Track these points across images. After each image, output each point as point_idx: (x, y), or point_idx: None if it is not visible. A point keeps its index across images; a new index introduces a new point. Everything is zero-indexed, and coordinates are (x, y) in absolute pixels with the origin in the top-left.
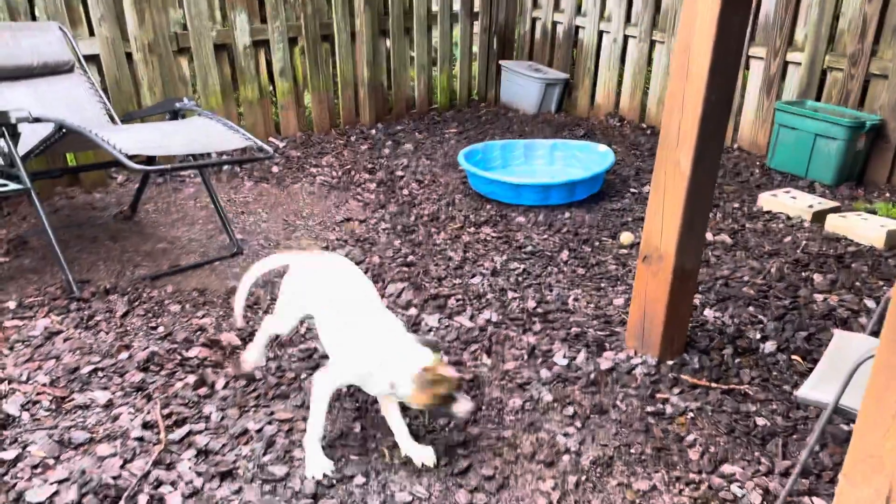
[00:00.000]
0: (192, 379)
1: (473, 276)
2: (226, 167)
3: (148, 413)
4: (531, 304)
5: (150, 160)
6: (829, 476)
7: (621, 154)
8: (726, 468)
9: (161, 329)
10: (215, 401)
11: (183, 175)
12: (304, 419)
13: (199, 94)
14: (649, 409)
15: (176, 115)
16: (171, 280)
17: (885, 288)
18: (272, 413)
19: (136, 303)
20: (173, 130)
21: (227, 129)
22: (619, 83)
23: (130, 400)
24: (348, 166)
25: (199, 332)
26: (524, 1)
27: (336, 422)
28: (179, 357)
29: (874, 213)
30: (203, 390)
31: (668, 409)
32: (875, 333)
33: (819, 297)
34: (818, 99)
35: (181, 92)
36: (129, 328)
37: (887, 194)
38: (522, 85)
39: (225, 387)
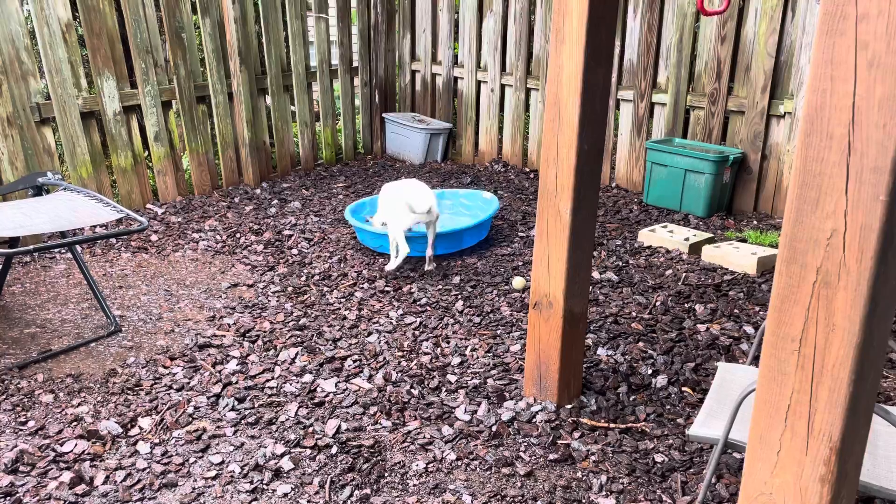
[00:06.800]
0: (67, 476)
1: (369, 334)
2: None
3: None
4: (429, 358)
5: (12, 241)
6: None
7: (507, 199)
8: None
9: (31, 423)
10: (95, 499)
11: (53, 251)
12: None
13: (67, 164)
14: (552, 456)
15: (39, 190)
16: (42, 367)
17: (761, 313)
18: None
19: (2, 397)
20: (35, 208)
21: (95, 203)
22: (501, 130)
23: None
24: (233, 229)
25: (74, 423)
26: (402, 54)
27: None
28: (53, 453)
29: (744, 241)
30: (80, 488)
31: (571, 455)
32: (756, 358)
33: (702, 327)
34: (684, 136)
35: (46, 164)
36: None
37: (755, 222)
38: (407, 136)
39: (105, 481)
